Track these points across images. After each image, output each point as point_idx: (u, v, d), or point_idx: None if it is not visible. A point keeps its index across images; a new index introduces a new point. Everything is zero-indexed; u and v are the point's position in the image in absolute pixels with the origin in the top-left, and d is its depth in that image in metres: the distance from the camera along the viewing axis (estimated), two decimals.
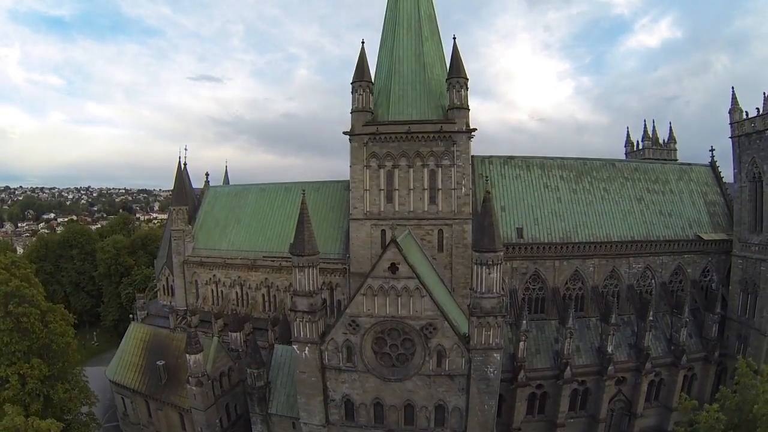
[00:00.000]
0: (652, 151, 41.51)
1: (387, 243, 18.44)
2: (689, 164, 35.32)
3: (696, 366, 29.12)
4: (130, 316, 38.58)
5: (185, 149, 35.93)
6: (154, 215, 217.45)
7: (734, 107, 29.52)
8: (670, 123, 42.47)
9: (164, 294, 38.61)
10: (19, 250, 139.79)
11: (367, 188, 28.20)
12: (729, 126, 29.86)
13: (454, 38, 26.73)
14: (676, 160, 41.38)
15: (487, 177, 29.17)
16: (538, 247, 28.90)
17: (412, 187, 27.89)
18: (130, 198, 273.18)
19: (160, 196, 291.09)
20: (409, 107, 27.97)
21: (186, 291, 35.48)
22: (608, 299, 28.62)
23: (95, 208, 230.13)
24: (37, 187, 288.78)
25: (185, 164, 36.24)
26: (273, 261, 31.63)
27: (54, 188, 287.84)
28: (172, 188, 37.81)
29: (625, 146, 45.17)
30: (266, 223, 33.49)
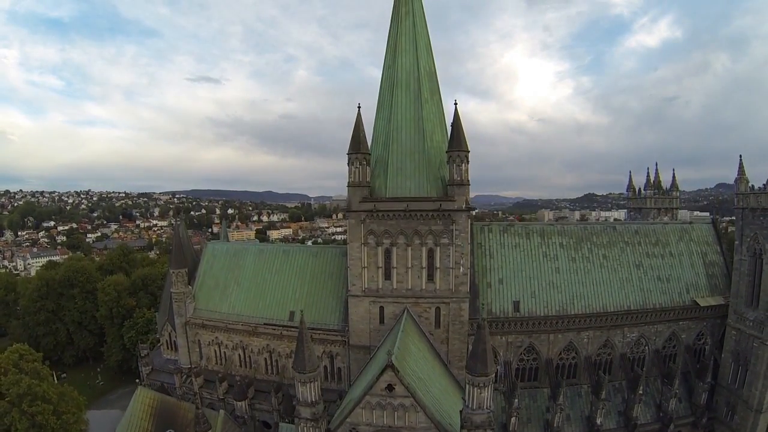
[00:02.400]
0: (654, 200, 41.75)
1: (385, 366, 18.76)
2: (690, 223, 35.52)
3: (684, 430, 29.72)
4: (137, 380, 39.11)
5: (178, 219, 36.01)
6: (154, 222, 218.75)
7: (741, 177, 29.28)
8: (674, 170, 42.74)
9: (168, 348, 39.07)
10: (20, 263, 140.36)
11: (365, 265, 28.43)
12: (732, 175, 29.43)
13: (456, 104, 26.58)
14: (677, 208, 41.57)
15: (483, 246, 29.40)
16: (534, 322, 29.23)
17: (410, 266, 28.11)
18: (130, 202, 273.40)
19: (160, 200, 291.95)
20: (408, 181, 28.01)
21: (189, 350, 35.92)
22: (600, 375, 29.08)
23: (95, 214, 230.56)
24: (37, 191, 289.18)
25: (179, 223, 36.45)
26: (274, 329, 31.98)
27: (54, 192, 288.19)
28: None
29: (626, 191, 45.37)
30: (265, 287, 33.75)
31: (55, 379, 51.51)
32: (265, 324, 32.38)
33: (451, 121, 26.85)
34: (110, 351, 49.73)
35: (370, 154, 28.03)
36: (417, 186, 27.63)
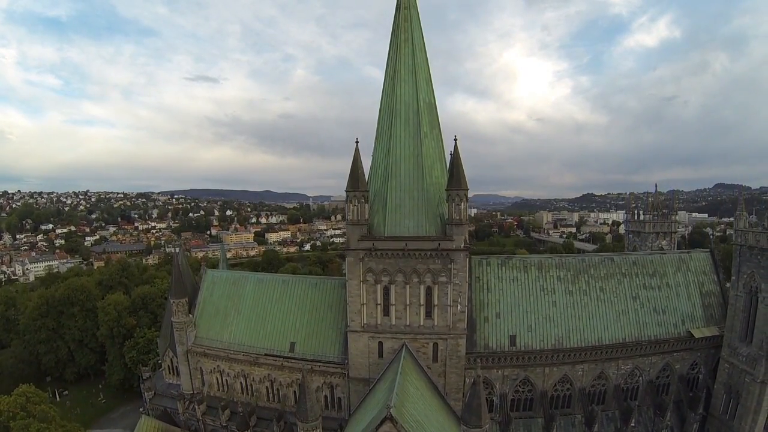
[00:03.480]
0: (652, 225, 42.30)
1: (384, 418, 19.17)
2: (689, 252, 35.77)
3: None
4: (141, 409, 39.50)
5: (178, 248, 36.36)
6: (153, 224, 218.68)
7: (740, 213, 29.58)
8: (673, 193, 43.43)
9: (169, 373, 39.48)
10: (18, 268, 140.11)
11: (364, 302, 28.79)
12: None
13: (455, 140, 26.75)
14: (675, 232, 42.05)
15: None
16: (530, 356, 29.69)
17: (408, 303, 28.49)
18: (128, 203, 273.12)
19: (159, 200, 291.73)
20: (406, 219, 28.29)
21: (192, 376, 36.33)
22: (593, 409, 29.63)
23: (94, 216, 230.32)
24: (35, 192, 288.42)
25: (178, 252, 36.75)
26: (275, 360, 32.40)
27: (52, 193, 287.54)
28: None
29: (625, 213, 45.93)
30: (266, 317, 34.10)
31: (57, 396, 52.20)
32: (266, 355, 32.78)
33: (451, 158, 27.10)
34: (111, 369, 50.19)
35: (368, 191, 28.27)
36: (416, 224, 27.94)
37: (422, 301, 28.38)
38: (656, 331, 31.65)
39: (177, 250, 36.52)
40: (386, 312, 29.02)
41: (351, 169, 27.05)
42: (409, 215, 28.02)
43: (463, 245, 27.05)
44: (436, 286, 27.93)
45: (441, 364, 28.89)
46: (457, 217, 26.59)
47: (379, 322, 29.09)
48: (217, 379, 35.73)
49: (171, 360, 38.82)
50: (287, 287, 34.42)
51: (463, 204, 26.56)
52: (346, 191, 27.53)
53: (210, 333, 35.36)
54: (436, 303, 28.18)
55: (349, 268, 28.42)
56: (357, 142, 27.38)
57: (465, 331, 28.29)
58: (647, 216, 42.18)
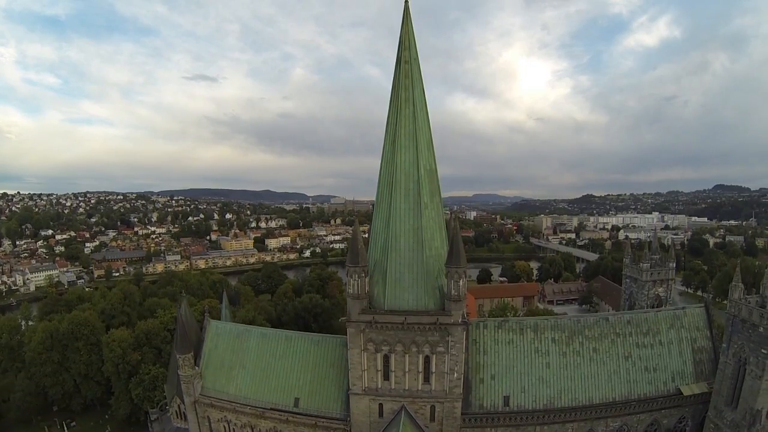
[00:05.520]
0: (650, 273, 43.44)
1: None
2: (683, 308, 36.58)
3: None
4: None
5: (182, 301, 37.37)
6: (152, 228, 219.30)
7: (735, 283, 30.09)
8: (673, 241, 44.58)
9: (177, 418, 40.73)
10: (18, 278, 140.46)
11: (365, 368, 29.94)
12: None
13: (455, 215, 27.80)
14: (672, 279, 43.15)
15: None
16: (522, 416, 30.90)
17: (407, 370, 29.62)
18: (128, 205, 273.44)
19: (158, 202, 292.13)
20: (406, 293, 29.30)
21: (200, 425, 37.57)
22: None
23: (93, 220, 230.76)
24: (35, 194, 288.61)
25: (182, 308, 37.73)
26: (280, 415, 33.60)
27: (52, 194, 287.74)
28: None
29: (625, 257, 47.03)
30: (270, 372, 35.21)
31: (65, 428, 53.51)
32: (271, 409, 33.97)
33: (450, 235, 28.01)
34: (118, 404, 51.39)
35: (368, 265, 29.03)
36: (415, 298, 28.95)
37: (420, 368, 29.54)
38: (646, 389, 32.78)
39: (181, 306, 37.39)
40: (386, 377, 30.17)
41: (351, 245, 28.00)
42: (408, 289, 29.00)
43: (461, 319, 28.10)
44: (434, 355, 29.03)
45: (438, 424, 30.14)
46: (456, 294, 27.60)
47: (379, 386, 30.28)
48: (225, 428, 36.94)
49: (178, 406, 40.05)
50: (290, 344, 35.48)
51: (462, 281, 27.55)
52: (346, 266, 28.49)
53: (216, 385, 36.49)
54: (433, 370, 29.33)
55: (351, 338, 29.48)
56: (356, 220, 28.27)
57: (461, 395, 29.50)
58: (645, 264, 43.12)
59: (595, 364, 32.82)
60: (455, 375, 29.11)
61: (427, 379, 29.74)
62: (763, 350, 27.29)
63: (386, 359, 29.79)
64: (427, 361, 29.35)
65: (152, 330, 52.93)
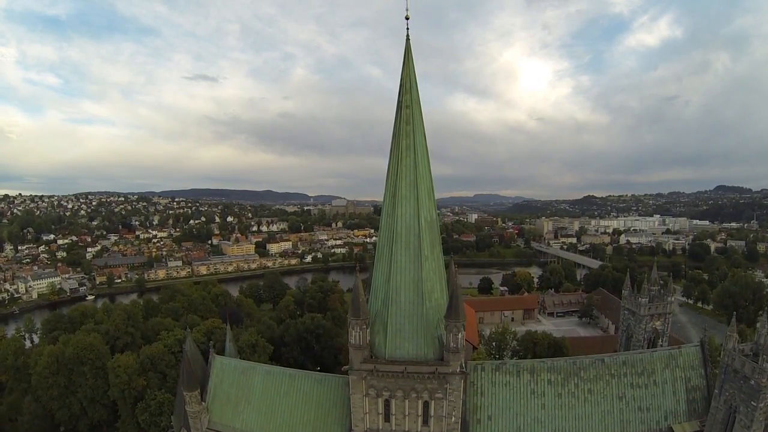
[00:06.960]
0: (648, 308, 44.19)
1: None
2: (679, 347, 37.04)
3: None
4: None
5: (187, 336, 38.33)
6: (154, 233, 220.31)
7: (730, 334, 30.85)
8: (671, 275, 45.15)
9: None
10: (21, 286, 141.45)
11: (367, 411, 30.85)
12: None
13: (455, 269, 28.41)
14: (670, 313, 43.83)
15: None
16: None
17: (407, 413, 30.47)
18: (129, 207, 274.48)
19: (159, 204, 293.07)
20: (406, 343, 30.05)
21: None
22: None
23: (95, 223, 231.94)
24: (36, 195, 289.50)
25: (186, 346, 38.61)
26: None
27: (53, 196, 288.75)
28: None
29: (623, 290, 47.77)
30: (275, 409, 36.11)
31: None
32: None
33: (449, 289, 28.73)
34: (125, 427, 52.48)
35: (369, 317, 29.78)
36: (415, 348, 29.73)
37: (420, 412, 30.38)
38: (638, 429, 33.50)
39: (186, 342, 38.30)
40: (387, 419, 31.05)
41: (352, 300, 28.79)
42: (409, 339, 29.78)
43: (459, 369, 28.94)
44: (433, 401, 29.88)
45: None
46: (454, 346, 28.40)
47: (380, 427, 31.16)
48: None
49: None
50: (294, 382, 36.35)
51: (460, 334, 28.34)
52: (348, 317, 29.29)
53: (223, 419, 37.43)
54: (432, 414, 30.18)
55: (353, 384, 30.33)
56: (357, 271, 29.05)
57: None
58: (644, 299, 43.82)
59: (589, 404, 33.61)
60: (453, 419, 29.96)
61: (426, 422, 30.61)
62: (752, 402, 28.08)
63: (387, 403, 30.65)
64: (426, 405, 30.18)
65: (157, 354, 53.90)
